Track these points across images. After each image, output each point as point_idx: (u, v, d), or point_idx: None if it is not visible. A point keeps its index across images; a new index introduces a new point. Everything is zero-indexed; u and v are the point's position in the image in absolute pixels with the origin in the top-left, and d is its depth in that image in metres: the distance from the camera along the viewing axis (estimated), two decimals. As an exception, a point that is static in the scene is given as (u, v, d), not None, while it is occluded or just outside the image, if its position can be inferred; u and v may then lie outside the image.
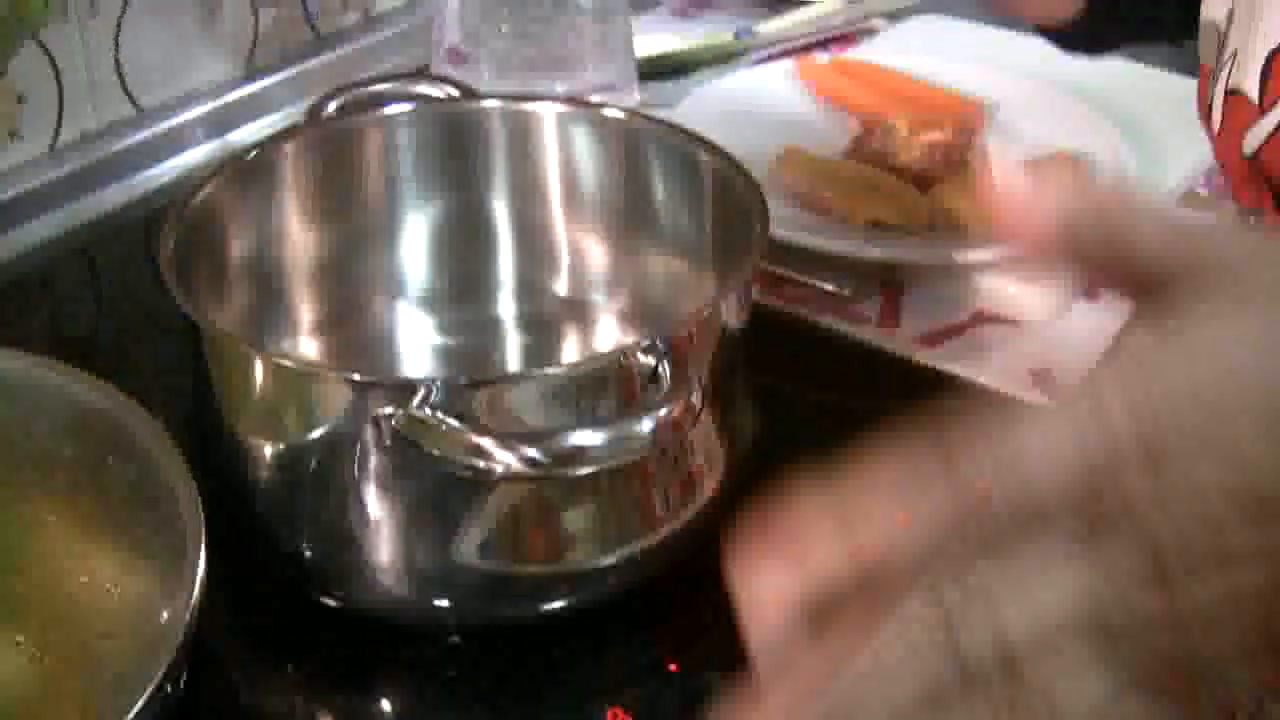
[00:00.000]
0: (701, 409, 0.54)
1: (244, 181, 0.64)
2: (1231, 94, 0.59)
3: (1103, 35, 0.77)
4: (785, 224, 0.83)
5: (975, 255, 0.82)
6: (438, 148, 0.70)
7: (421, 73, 0.95)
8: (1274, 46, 0.55)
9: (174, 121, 0.99)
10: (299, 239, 0.68)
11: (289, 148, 0.66)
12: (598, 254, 0.73)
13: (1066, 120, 0.95)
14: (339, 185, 0.69)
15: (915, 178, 0.88)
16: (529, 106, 0.70)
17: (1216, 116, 0.60)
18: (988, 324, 0.83)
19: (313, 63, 1.06)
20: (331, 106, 0.70)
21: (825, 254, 0.82)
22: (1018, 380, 0.78)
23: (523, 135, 0.70)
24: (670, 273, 0.70)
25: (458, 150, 0.70)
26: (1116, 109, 0.97)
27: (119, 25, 0.95)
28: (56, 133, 0.94)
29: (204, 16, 1.00)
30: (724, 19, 1.21)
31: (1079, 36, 0.77)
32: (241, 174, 0.64)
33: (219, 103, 1.02)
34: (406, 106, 0.69)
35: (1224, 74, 0.60)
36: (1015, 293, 0.83)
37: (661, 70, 1.08)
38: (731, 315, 0.60)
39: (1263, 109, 0.56)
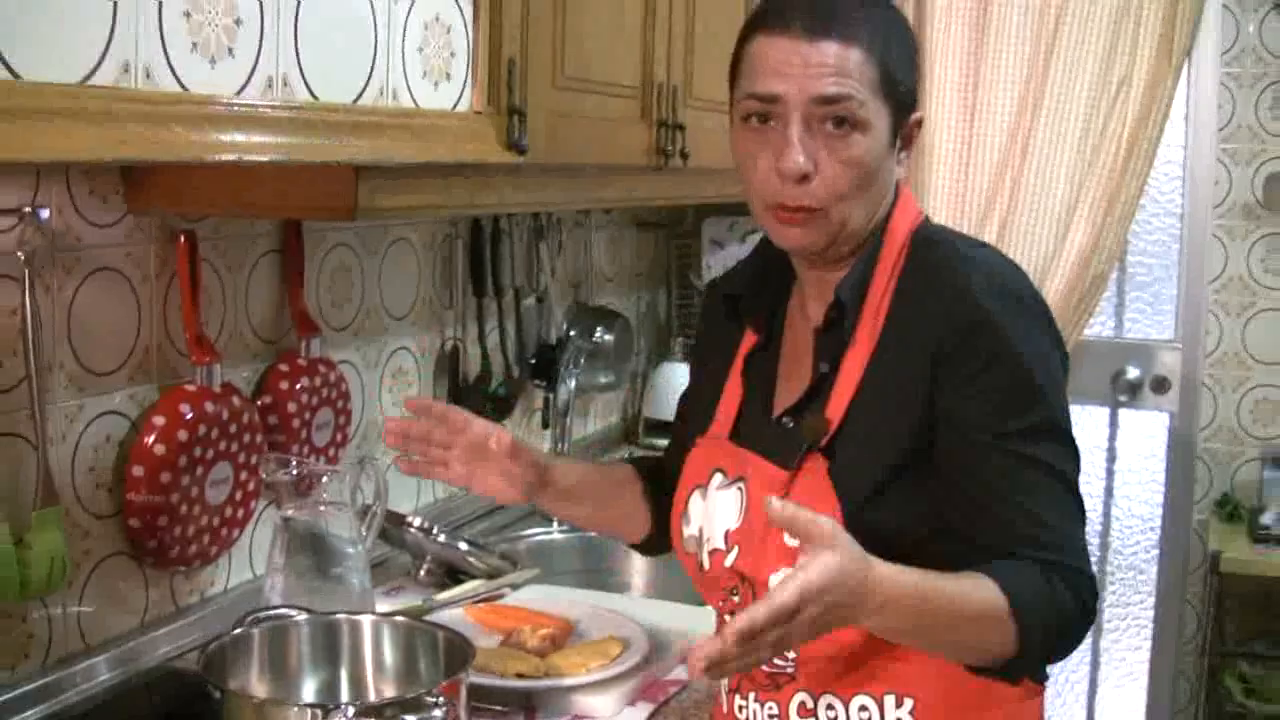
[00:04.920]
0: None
1: (233, 646, 1.41)
2: (711, 552, 1.47)
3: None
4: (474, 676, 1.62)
5: (571, 682, 1.63)
6: (322, 639, 1.48)
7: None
8: (727, 529, 1.45)
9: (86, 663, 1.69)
10: (257, 678, 1.44)
11: (255, 632, 1.43)
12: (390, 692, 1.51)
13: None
14: (273, 652, 1.46)
15: (536, 653, 1.70)
16: (356, 618, 1.51)
17: (706, 562, 1.47)
18: (581, 722, 1.63)
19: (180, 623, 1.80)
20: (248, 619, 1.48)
21: (489, 690, 1.61)
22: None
23: (353, 631, 1.50)
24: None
25: (330, 638, 1.48)
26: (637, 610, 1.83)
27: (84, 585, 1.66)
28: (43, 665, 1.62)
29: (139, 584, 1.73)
30: (411, 595, 2.04)
31: (657, 548, 1.66)
32: (228, 644, 1.41)
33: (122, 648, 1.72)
34: (302, 616, 1.47)
35: (705, 548, 1.48)
36: (598, 702, 1.63)
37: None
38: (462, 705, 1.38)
39: (727, 550, 1.44)
